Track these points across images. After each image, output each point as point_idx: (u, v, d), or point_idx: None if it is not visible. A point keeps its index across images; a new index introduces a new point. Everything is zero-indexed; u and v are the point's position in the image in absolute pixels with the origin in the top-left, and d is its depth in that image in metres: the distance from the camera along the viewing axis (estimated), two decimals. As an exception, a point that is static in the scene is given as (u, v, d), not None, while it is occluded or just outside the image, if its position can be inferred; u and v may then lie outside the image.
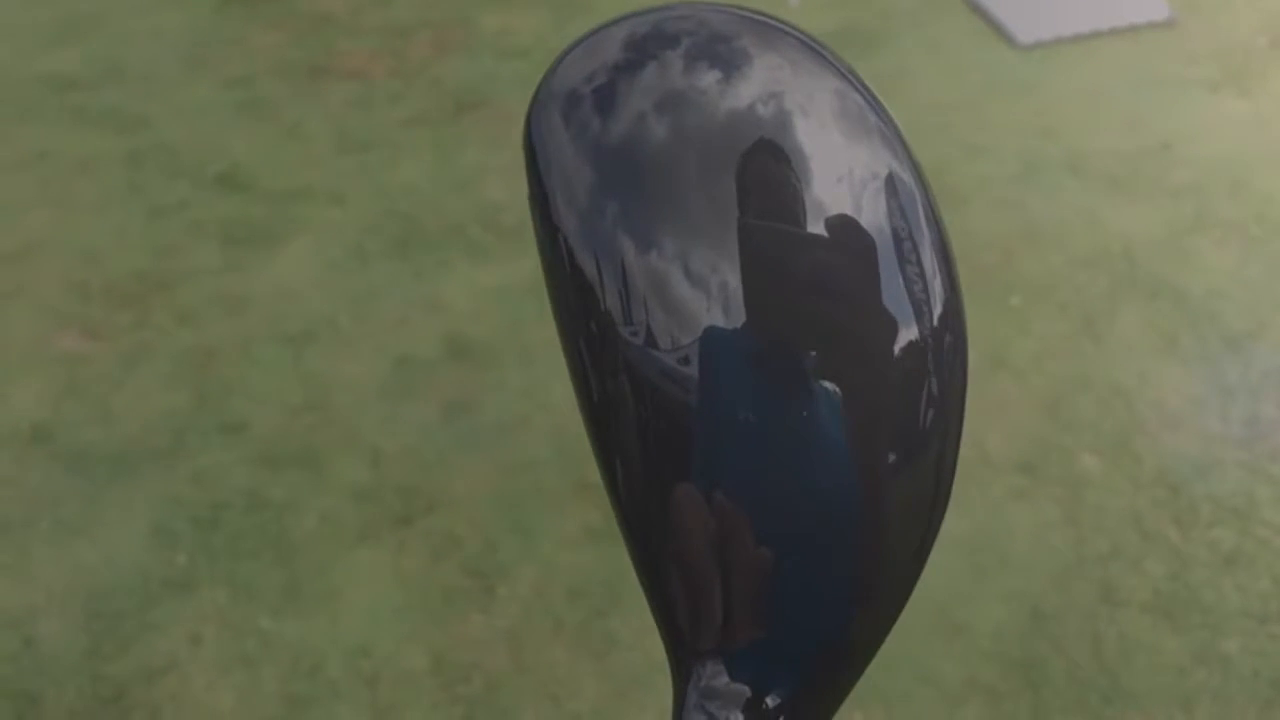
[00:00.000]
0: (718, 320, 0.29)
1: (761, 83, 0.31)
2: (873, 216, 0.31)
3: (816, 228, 0.30)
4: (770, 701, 0.32)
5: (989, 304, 2.03)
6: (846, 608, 0.33)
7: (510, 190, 2.41)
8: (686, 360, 0.30)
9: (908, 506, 0.32)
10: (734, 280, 0.29)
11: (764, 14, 0.33)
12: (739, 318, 0.29)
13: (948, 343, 0.32)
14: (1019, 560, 1.60)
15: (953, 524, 1.63)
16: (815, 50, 0.33)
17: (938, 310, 0.32)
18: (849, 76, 0.33)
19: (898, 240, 0.31)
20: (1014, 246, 2.18)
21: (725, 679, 0.32)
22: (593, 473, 0.34)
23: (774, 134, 0.31)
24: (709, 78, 0.31)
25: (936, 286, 0.32)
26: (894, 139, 0.32)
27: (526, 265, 2.16)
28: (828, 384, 0.30)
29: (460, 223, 2.30)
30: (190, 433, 1.82)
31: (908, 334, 0.31)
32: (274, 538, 1.66)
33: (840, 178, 0.31)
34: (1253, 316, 1.99)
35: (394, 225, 2.30)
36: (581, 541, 1.62)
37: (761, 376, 0.30)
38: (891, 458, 0.31)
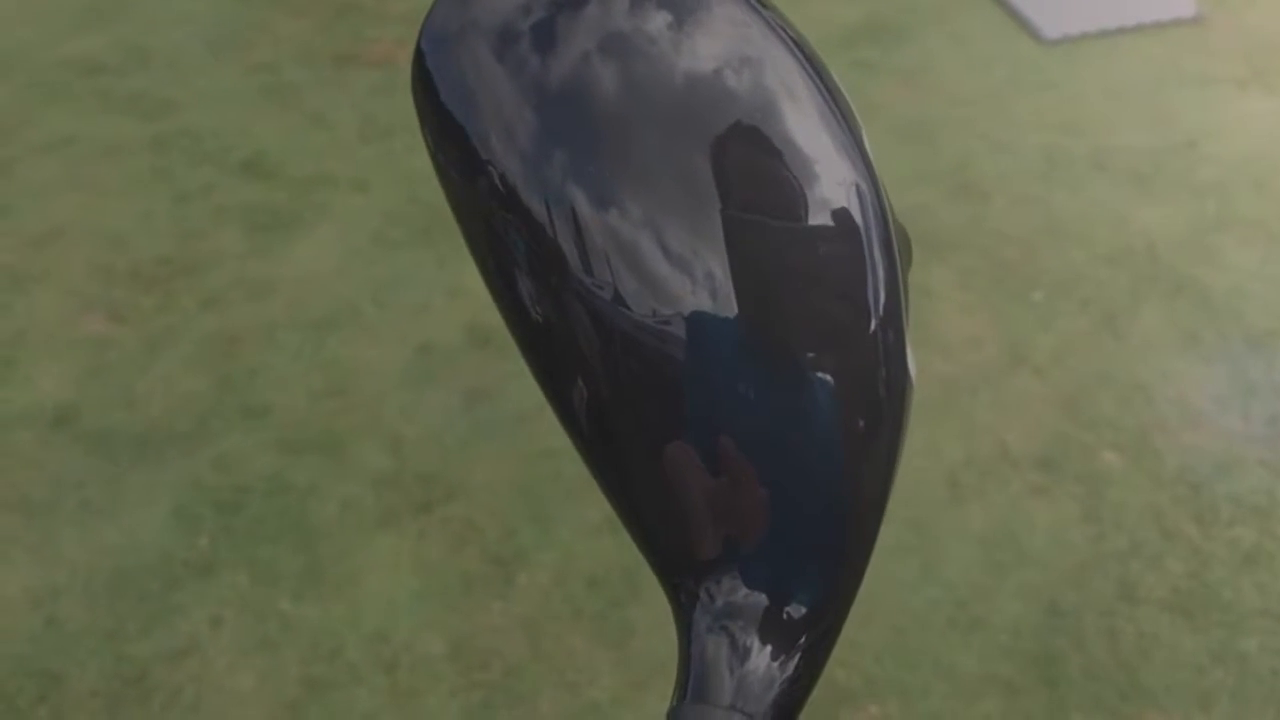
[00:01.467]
0: (705, 307, 0.30)
1: (722, 44, 0.31)
2: (846, 212, 0.31)
3: (799, 223, 0.30)
4: (792, 612, 0.32)
5: (1010, 300, 2.03)
6: (836, 512, 0.32)
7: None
8: (666, 331, 0.30)
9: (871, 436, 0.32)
10: (721, 272, 0.30)
11: None
12: (730, 309, 0.30)
13: (891, 339, 0.32)
14: (1038, 556, 1.60)
15: (972, 519, 1.64)
16: (762, 15, 0.32)
17: (884, 305, 0.32)
18: (797, 52, 0.32)
19: (867, 237, 0.31)
20: (1036, 242, 2.17)
21: (743, 590, 0.32)
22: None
23: (745, 115, 0.31)
24: (659, 22, 0.30)
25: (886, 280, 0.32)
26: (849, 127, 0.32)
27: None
28: (819, 375, 0.30)
29: (483, 211, 2.30)
30: (213, 417, 1.83)
31: (872, 324, 0.31)
32: (295, 522, 1.67)
33: (814, 175, 0.31)
34: (1275, 315, 1.98)
35: (417, 212, 2.30)
36: (600, 530, 1.62)
37: (751, 361, 0.30)
38: (860, 423, 0.32)
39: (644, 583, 1.54)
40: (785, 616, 0.32)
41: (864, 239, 0.31)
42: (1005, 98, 2.61)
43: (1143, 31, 2.92)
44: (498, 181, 0.31)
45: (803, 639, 0.32)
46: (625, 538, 0.34)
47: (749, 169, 0.31)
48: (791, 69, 0.31)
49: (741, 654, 0.31)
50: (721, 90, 0.30)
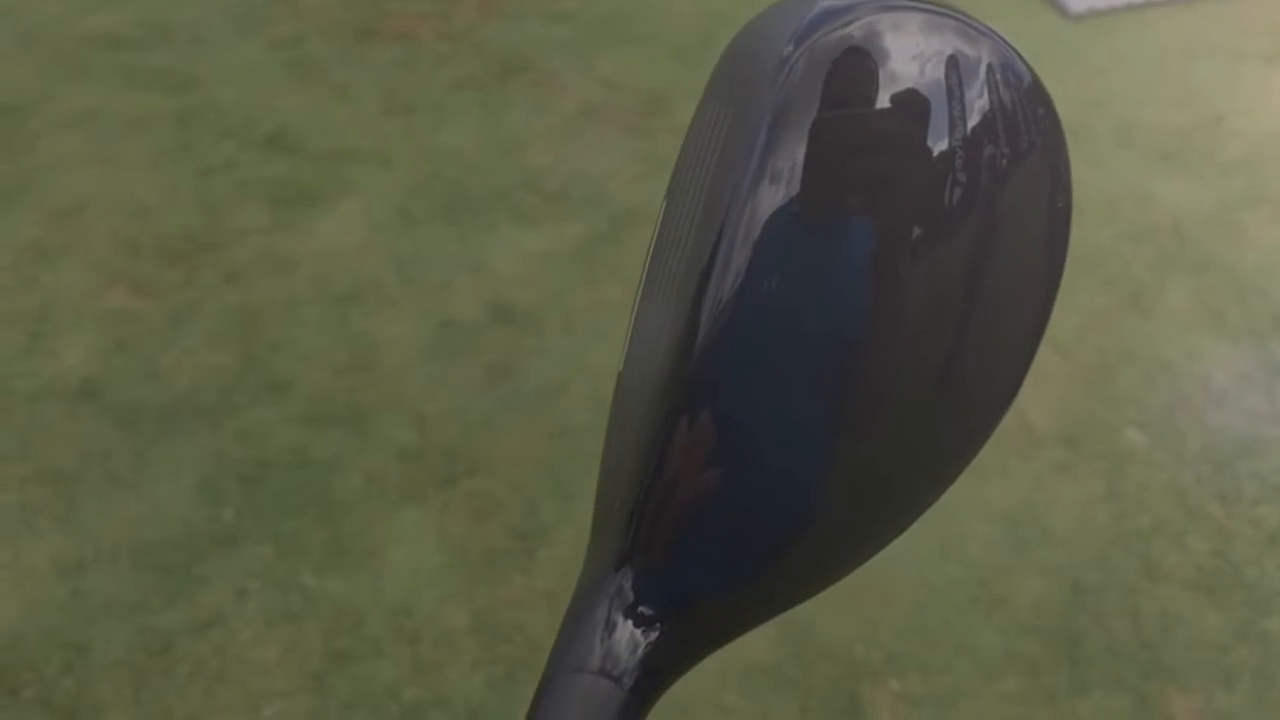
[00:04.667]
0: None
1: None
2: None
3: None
4: (648, 610, 0.32)
5: (1035, 276, 2.02)
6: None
7: (555, 155, 2.41)
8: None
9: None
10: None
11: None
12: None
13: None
14: (1060, 534, 1.60)
15: (995, 496, 1.64)
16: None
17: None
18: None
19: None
20: (1061, 219, 2.16)
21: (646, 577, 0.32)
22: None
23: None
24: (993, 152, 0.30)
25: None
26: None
27: (570, 231, 2.16)
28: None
29: (505, 187, 2.31)
30: (237, 390, 1.84)
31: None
32: (318, 496, 1.67)
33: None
34: (1303, 293, 1.97)
35: (439, 188, 2.31)
36: (622, 506, 1.62)
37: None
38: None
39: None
40: (645, 615, 0.32)
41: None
42: (1031, 73, 2.59)
43: (1170, 5, 2.89)
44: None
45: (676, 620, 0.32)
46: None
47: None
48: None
49: (610, 626, 0.32)
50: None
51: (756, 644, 1.45)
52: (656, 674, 0.32)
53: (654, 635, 0.31)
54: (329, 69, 2.75)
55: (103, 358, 1.91)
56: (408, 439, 1.76)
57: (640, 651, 0.31)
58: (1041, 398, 1.79)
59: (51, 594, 1.54)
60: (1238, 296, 1.96)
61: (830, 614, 1.48)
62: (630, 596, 0.32)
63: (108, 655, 1.47)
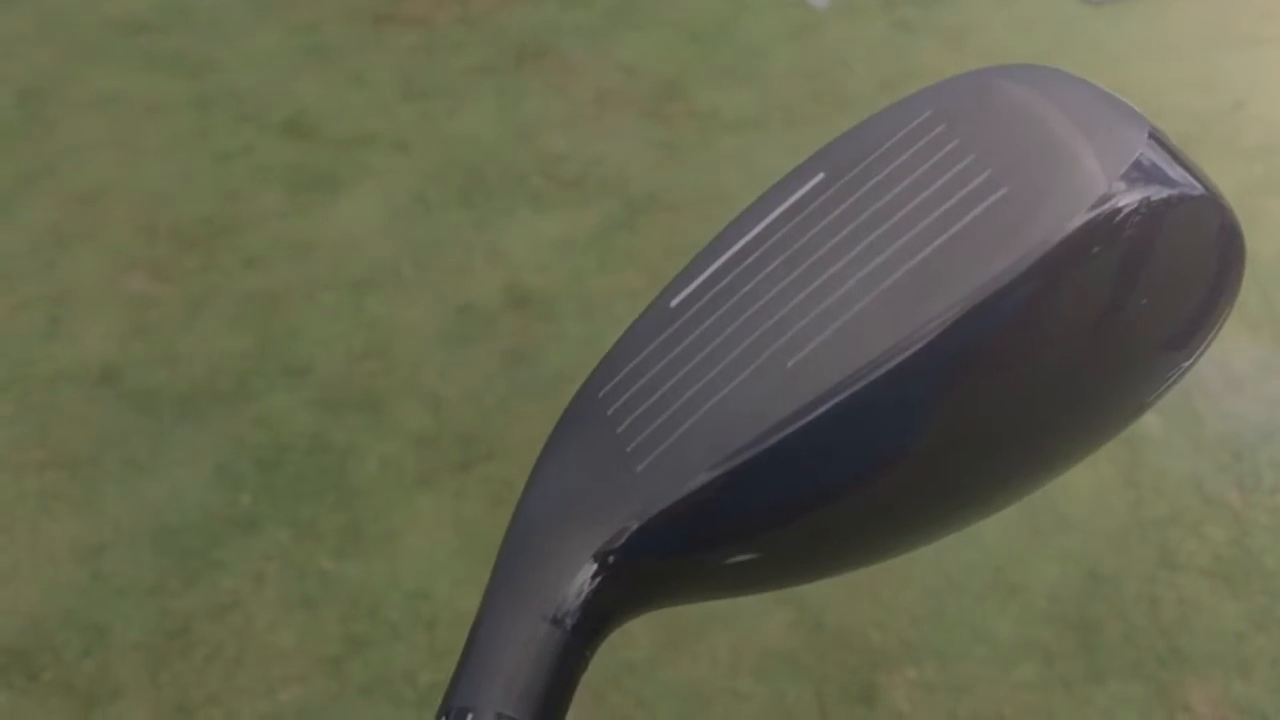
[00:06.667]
0: None
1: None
2: None
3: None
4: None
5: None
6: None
7: (571, 141, 2.41)
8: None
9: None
10: None
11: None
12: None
13: None
14: (1077, 521, 1.60)
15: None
16: None
17: None
18: None
19: None
20: (1080, 205, 2.15)
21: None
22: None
23: None
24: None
25: None
26: None
27: (587, 216, 2.16)
28: None
29: (522, 172, 2.31)
30: (254, 375, 1.85)
31: None
32: (335, 481, 1.68)
33: None
34: (1324, 280, 1.96)
35: (456, 174, 2.31)
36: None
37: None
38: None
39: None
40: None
41: None
42: (1049, 59, 2.56)
43: (1192, -9, 2.87)
44: None
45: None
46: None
47: None
48: None
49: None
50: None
51: (771, 630, 1.45)
52: (599, 618, 0.31)
53: (599, 580, 0.31)
54: (346, 54, 2.76)
55: (121, 343, 1.91)
56: (424, 424, 1.76)
57: (584, 594, 0.31)
58: (1059, 385, 1.78)
59: (71, 577, 1.55)
60: (1257, 283, 1.95)
61: (845, 600, 1.48)
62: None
63: (126, 638, 1.48)
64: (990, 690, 1.40)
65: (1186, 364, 0.32)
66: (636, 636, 1.46)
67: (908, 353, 0.28)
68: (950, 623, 1.47)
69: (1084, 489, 1.64)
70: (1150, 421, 1.73)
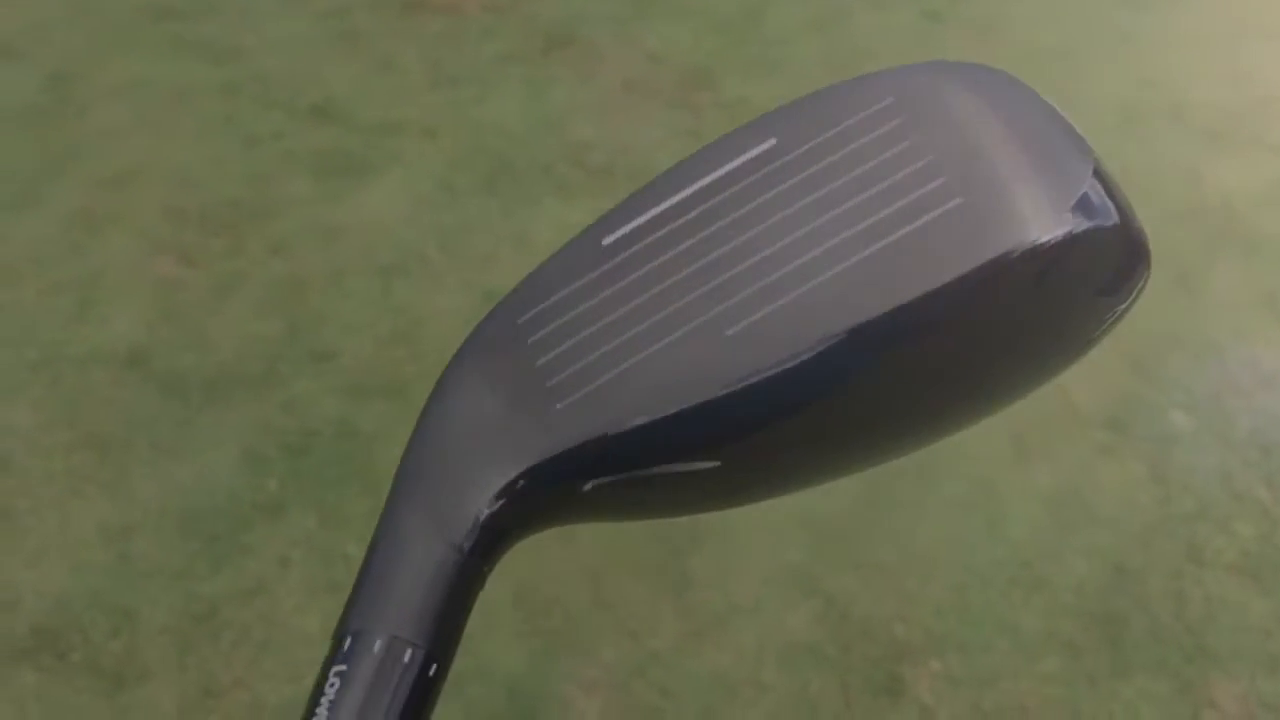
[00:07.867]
0: None
1: None
2: None
3: None
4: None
5: (1082, 256, 2.00)
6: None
7: (598, 129, 2.41)
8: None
9: None
10: None
11: None
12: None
13: None
14: (1104, 516, 1.59)
15: (1038, 478, 1.63)
16: None
17: None
18: None
19: None
20: (1109, 198, 2.14)
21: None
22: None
23: None
24: None
25: None
26: None
27: (613, 205, 2.15)
28: None
29: (549, 160, 2.31)
30: (282, 361, 1.85)
31: None
32: (362, 467, 1.68)
33: None
34: (1355, 276, 1.94)
35: (483, 161, 2.31)
36: (663, 481, 1.62)
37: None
38: None
39: (705, 534, 1.55)
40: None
41: None
42: (1079, 50, 2.56)
43: (1224, -17, 2.85)
44: None
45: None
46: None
47: None
48: None
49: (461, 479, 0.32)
50: None
51: (796, 621, 1.45)
52: (501, 536, 0.32)
53: (503, 504, 0.32)
54: (375, 40, 2.76)
55: (149, 326, 1.92)
56: (450, 411, 1.76)
57: (487, 518, 0.31)
58: (1086, 379, 1.78)
59: (99, 559, 1.56)
60: (1288, 279, 1.94)
61: (870, 592, 1.48)
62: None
63: (154, 621, 1.48)
64: (1014, 683, 1.40)
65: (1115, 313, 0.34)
66: (661, 624, 1.46)
67: (841, 339, 0.29)
68: (975, 616, 1.47)
69: (1112, 484, 1.63)
70: (1179, 418, 1.72)
